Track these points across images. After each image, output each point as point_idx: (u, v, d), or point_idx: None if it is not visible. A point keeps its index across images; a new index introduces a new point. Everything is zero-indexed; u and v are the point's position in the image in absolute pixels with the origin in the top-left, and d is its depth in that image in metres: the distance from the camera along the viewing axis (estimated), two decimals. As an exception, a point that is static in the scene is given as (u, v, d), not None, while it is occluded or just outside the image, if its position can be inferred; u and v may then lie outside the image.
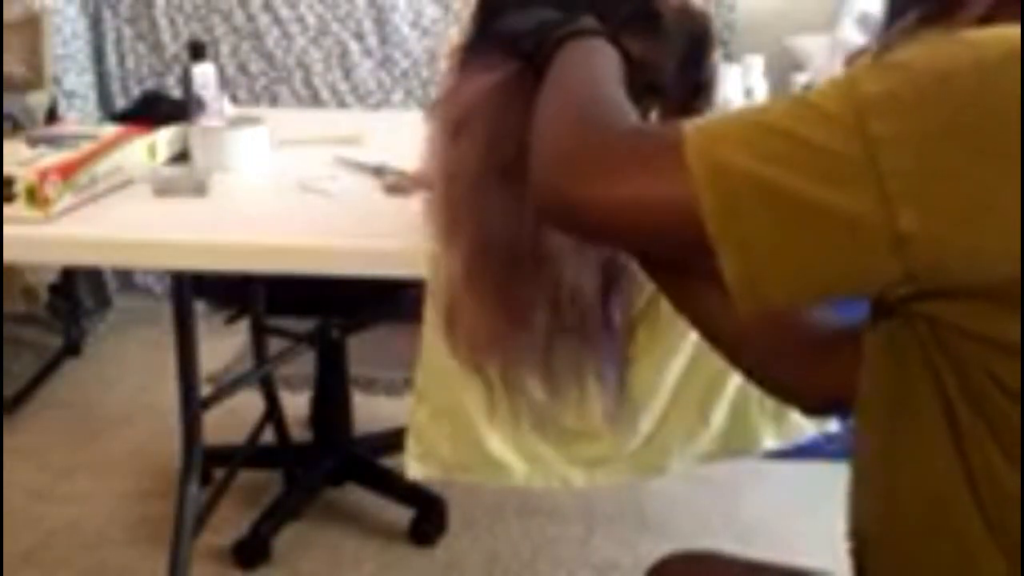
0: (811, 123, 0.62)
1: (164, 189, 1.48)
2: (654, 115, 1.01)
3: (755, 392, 1.21)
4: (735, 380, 1.52)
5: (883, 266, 0.62)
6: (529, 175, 0.73)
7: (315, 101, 2.90)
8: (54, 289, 2.73)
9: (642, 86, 0.92)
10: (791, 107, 0.64)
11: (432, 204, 0.99)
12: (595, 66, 0.83)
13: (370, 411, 2.36)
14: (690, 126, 0.66)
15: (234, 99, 2.61)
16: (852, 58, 0.84)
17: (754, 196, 0.62)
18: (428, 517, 2.03)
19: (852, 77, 0.63)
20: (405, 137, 1.90)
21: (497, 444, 1.53)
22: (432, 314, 1.42)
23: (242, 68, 2.89)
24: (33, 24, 2.45)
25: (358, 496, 2.12)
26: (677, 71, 0.96)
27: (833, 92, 0.63)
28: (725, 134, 0.65)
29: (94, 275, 2.92)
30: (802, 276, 0.64)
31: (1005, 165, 0.59)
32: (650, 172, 0.66)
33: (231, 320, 2.23)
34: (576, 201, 0.68)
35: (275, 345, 2.19)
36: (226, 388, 1.99)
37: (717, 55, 1.01)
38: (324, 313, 2.03)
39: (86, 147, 1.47)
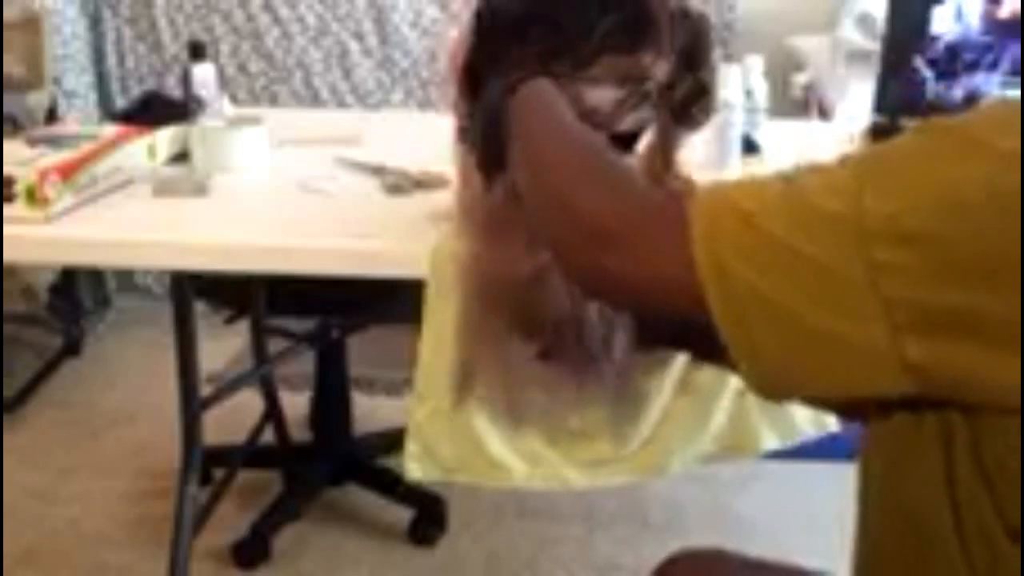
0: (812, 232, 0.59)
1: (164, 189, 1.48)
2: (651, 128, 1.01)
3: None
4: (735, 380, 1.51)
5: (896, 386, 0.60)
6: (536, 225, 0.76)
7: (315, 101, 2.90)
8: (54, 289, 2.73)
9: (638, 97, 0.92)
10: (791, 205, 0.61)
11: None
12: (560, 109, 0.85)
13: (370, 411, 2.36)
14: (695, 206, 0.64)
15: (234, 99, 2.61)
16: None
17: (757, 310, 0.61)
18: (428, 517, 2.03)
19: (859, 181, 0.60)
20: (405, 137, 1.91)
21: (497, 444, 1.53)
22: (432, 314, 1.41)
23: (242, 68, 2.89)
24: (33, 24, 2.45)
25: (358, 496, 2.12)
26: (675, 75, 0.96)
27: (836, 195, 0.60)
28: (726, 231, 0.63)
29: (94, 275, 2.92)
30: (814, 387, 0.64)
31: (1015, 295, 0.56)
32: (661, 256, 0.66)
33: (231, 320, 2.23)
34: (591, 272, 0.70)
35: (275, 345, 2.19)
36: (226, 388, 1.99)
37: (716, 57, 1.01)
38: (324, 313, 2.03)
39: (86, 147, 1.47)
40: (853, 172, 0.61)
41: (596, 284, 0.72)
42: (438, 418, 1.51)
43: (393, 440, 1.78)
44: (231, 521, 2.00)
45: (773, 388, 0.65)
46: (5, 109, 2.35)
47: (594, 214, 0.70)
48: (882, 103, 1.68)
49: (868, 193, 0.59)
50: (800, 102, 2.48)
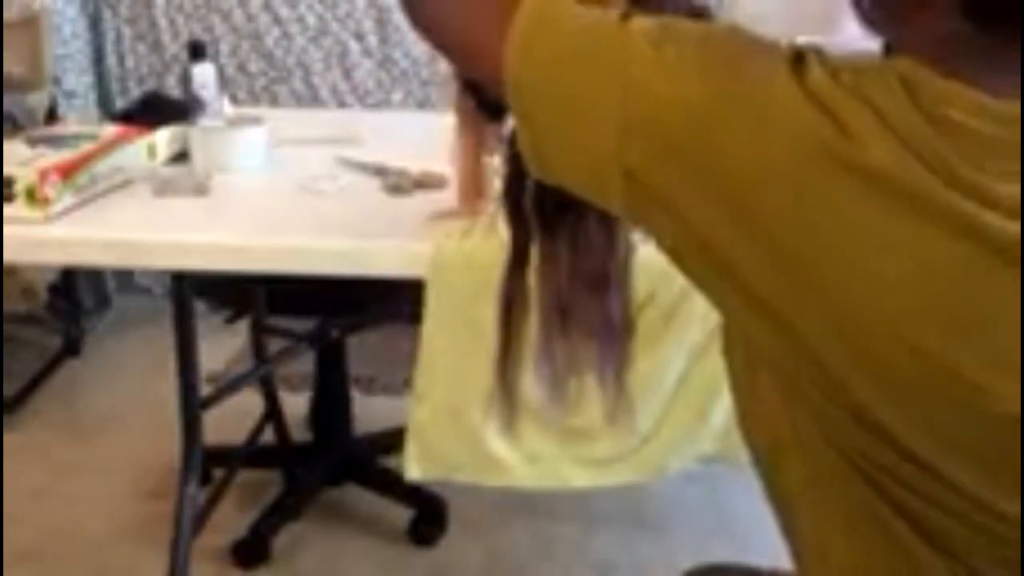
0: (597, 39, 0.67)
1: (164, 189, 1.48)
2: None
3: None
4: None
5: (615, 186, 0.66)
6: None
7: (315, 101, 2.90)
8: (54, 289, 2.73)
9: None
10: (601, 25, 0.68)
11: None
12: None
13: (370, 411, 2.36)
14: (529, 8, 0.70)
15: (234, 99, 2.61)
16: None
17: (539, 78, 0.69)
18: (428, 517, 2.03)
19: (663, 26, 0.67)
20: (405, 137, 1.91)
21: (497, 444, 1.53)
22: (432, 314, 1.42)
23: (242, 68, 2.89)
24: (32, 24, 2.45)
25: (358, 496, 2.12)
26: None
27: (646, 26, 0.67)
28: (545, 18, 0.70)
29: (94, 275, 2.92)
30: (564, 162, 0.70)
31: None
32: (488, 22, 0.72)
33: (231, 320, 2.23)
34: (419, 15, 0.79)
35: (275, 345, 2.19)
36: (226, 388, 1.99)
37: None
38: (324, 313, 2.03)
39: (86, 147, 1.47)
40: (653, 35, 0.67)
41: (428, 26, 0.80)
42: (438, 418, 1.51)
43: (393, 440, 1.78)
44: (231, 521, 2.00)
45: (539, 159, 0.72)
46: (5, 109, 2.35)
47: None
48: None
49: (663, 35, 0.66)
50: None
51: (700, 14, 0.99)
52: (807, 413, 0.66)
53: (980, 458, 0.61)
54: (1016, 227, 0.57)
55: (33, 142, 1.49)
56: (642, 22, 0.67)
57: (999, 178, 0.58)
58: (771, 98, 0.61)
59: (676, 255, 0.69)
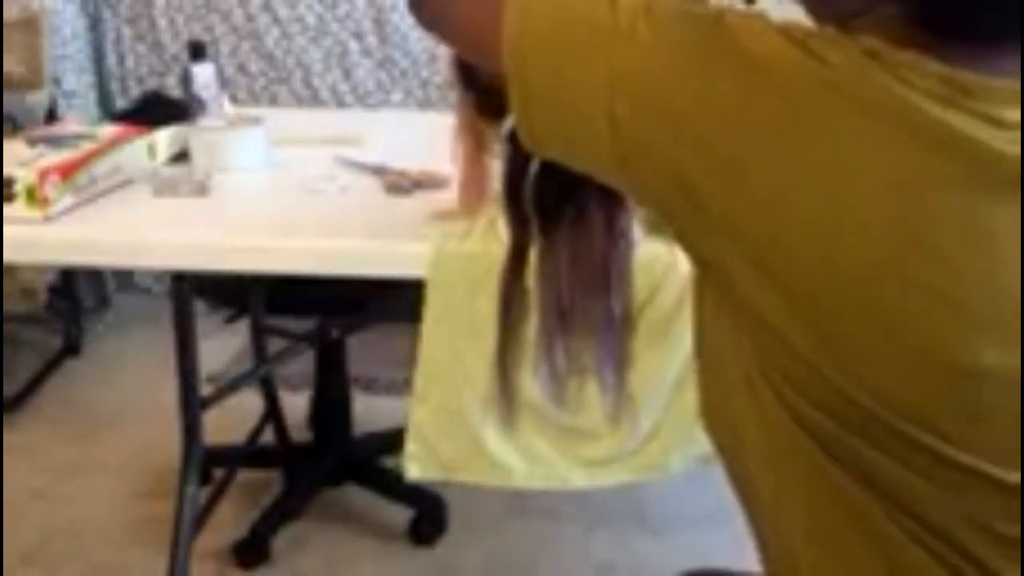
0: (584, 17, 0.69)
1: (164, 189, 1.48)
2: None
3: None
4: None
5: (604, 140, 0.67)
6: None
7: (315, 101, 2.90)
8: (54, 289, 2.73)
9: None
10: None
11: None
12: None
13: (370, 411, 2.36)
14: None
15: (234, 99, 2.61)
16: None
17: (535, 50, 0.70)
18: (428, 517, 2.03)
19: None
20: (405, 137, 1.91)
21: (497, 444, 1.53)
22: (432, 314, 1.42)
23: (242, 68, 2.89)
24: (32, 24, 2.45)
25: (358, 496, 2.12)
26: None
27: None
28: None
29: (94, 275, 2.93)
30: (552, 120, 0.71)
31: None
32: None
33: (231, 320, 2.23)
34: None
35: (275, 345, 2.19)
36: (226, 388, 1.99)
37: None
38: (324, 313, 2.03)
39: (86, 147, 1.47)
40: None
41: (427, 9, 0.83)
42: (438, 418, 1.51)
43: (393, 440, 1.78)
44: (231, 521, 2.00)
45: (531, 125, 0.73)
46: (5, 109, 2.35)
47: None
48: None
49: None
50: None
51: None
52: (775, 385, 0.66)
53: (972, 415, 0.61)
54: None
55: (33, 142, 1.49)
56: None
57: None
58: (755, 41, 0.63)
59: (662, 208, 0.69)
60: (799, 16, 0.69)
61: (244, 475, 2.10)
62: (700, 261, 0.71)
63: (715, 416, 0.79)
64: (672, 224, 0.69)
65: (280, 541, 1.99)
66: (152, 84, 2.89)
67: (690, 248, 0.70)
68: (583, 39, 0.68)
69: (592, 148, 0.69)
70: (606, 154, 0.67)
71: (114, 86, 2.95)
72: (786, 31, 0.63)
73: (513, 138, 0.93)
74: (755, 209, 0.61)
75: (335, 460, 2.14)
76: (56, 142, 1.49)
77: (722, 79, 0.62)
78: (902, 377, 0.61)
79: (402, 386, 2.45)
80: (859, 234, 0.59)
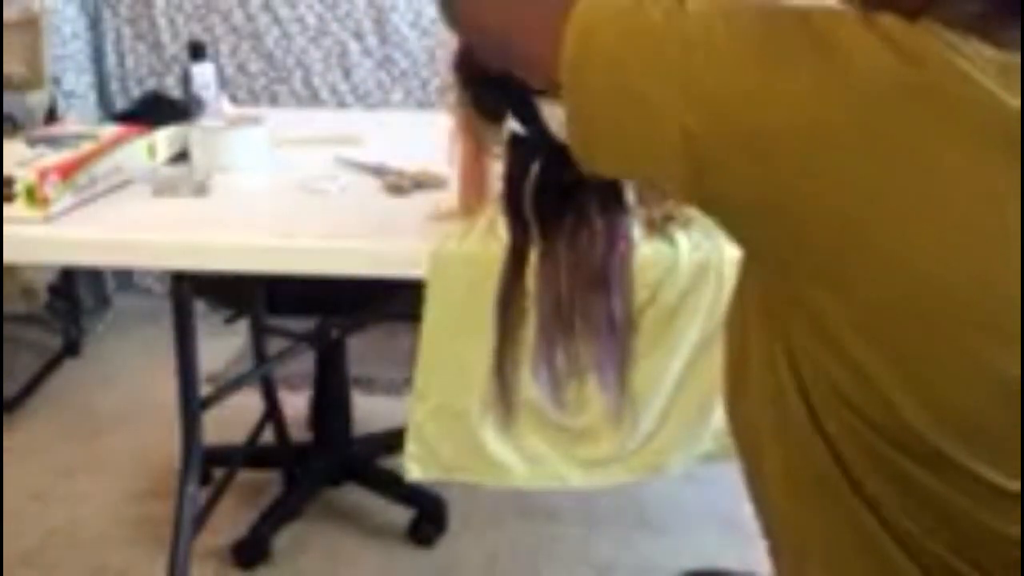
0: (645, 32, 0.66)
1: (164, 189, 1.48)
2: None
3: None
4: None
5: (674, 158, 0.65)
6: None
7: (315, 101, 2.90)
8: (54, 289, 2.73)
9: None
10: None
11: None
12: None
13: (370, 411, 2.36)
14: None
15: (234, 99, 2.61)
16: None
17: (596, 61, 0.68)
18: (428, 517, 2.03)
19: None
20: (405, 137, 1.91)
21: (497, 444, 1.53)
22: (431, 314, 1.42)
23: (242, 68, 2.89)
24: (32, 24, 2.45)
25: (358, 496, 2.12)
26: None
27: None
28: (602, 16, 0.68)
29: (94, 275, 2.92)
30: (616, 146, 0.69)
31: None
32: (538, 15, 0.72)
33: (231, 320, 2.23)
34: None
35: (275, 345, 2.19)
36: (226, 388, 1.99)
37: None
38: (324, 313, 2.03)
39: (86, 147, 1.47)
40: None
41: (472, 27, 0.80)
42: (438, 418, 1.51)
43: (393, 440, 1.78)
44: (231, 521, 2.00)
45: (586, 147, 0.71)
46: (5, 109, 2.35)
47: None
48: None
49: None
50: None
51: None
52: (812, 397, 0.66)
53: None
54: None
55: (33, 142, 1.49)
56: (695, 3, 0.66)
57: None
58: (844, 43, 0.60)
59: (739, 220, 0.67)
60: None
61: (244, 475, 2.10)
62: (755, 263, 0.70)
63: (737, 422, 0.78)
64: (737, 231, 0.67)
65: (280, 541, 1.99)
66: (152, 84, 2.89)
67: (753, 255, 0.69)
68: (651, 55, 0.65)
69: (662, 165, 0.66)
70: (679, 170, 0.65)
71: (114, 86, 2.95)
72: (878, 26, 0.60)
73: (513, 142, 0.93)
74: (838, 226, 0.60)
75: (335, 460, 2.14)
76: (56, 142, 1.49)
77: (805, 86, 0.60)
78: (980, 399, 0.60)
79: (402, 386, 2.45)
80: (945, 246, 0.58)
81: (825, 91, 0.59)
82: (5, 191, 1.33)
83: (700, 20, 0.64)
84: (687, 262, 1.36)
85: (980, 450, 0.61)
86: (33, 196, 1.34)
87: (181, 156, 1.63)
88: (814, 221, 0.60)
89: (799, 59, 0.60)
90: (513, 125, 0.84)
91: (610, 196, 0.90)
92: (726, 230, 0.68)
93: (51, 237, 1.35)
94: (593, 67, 0.68)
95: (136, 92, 2.85)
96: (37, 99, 2.48)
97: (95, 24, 2.89)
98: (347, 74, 2.89)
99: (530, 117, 0.94)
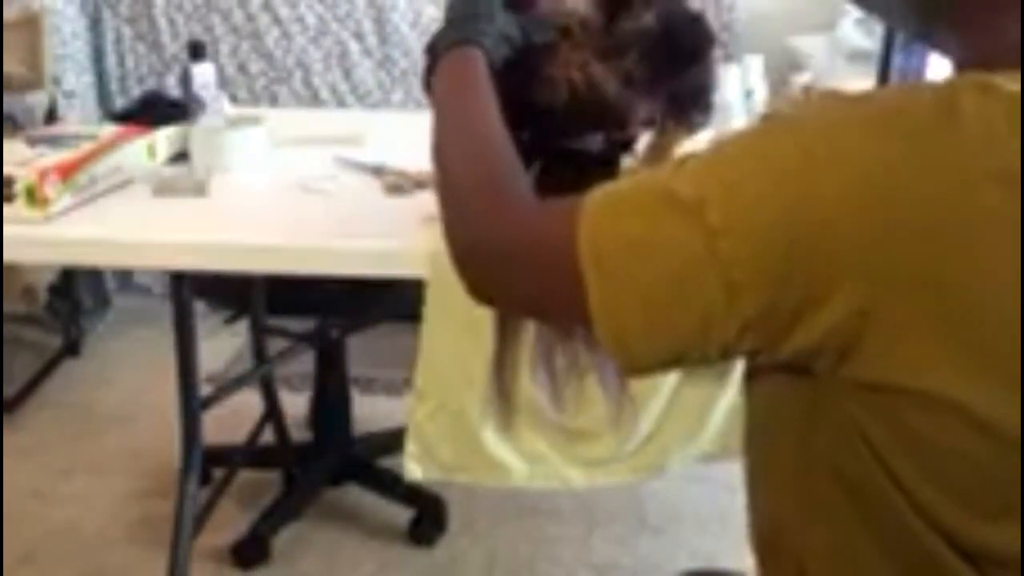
0: (663, 227, 0.64)
1: (164, 189, 1.48)
2: (644, 135, 1.01)
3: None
4: (734, 381, 1.52)
5: (736, 341, 0.64)
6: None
7: (315, 101, 2.90)
8: (54, 289, 2.73)
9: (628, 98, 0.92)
10: (658, 198, 0.65)
11: None
12: (480, 90, 0.86)
13: (370, 411, 2.36)
14: (585, 216, 0.66)
15: (234, 99, 2.61)
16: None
17: (625, 293, 0.65)
18: (427, 517, 2.03)
19: (708, 161, 0.65)
20: (405, 137, 1.90)
21: (497, 444, 1.53)
22: (431, 314, 1.42)
23: (242, 68, 2.89)
24: (32, 24, 2.45)
25: (358, 496, 2.12)
26: (673, 77, 0.96)
27: (688, 175, 0.64)
28: (606, 237, 0.66)
29: (94, 275, 2.92)
30: (671, 352, 0.67)
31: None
32: (546, 270, 0.69)
33: (230, 320, 2.23)
34: (478, 283, 0.75)
35: (275, 345, 2.19)
36: (226, 388, 1.99)
37: (715, 58, 1.01)
38: (324, 313, 2.03)
39: (86, 147, 1.47)
40: (707, 155, 0.66)
41: (484, 290, 0.76)
42: (438, 418, 1.52)
43: (393, 440, 1.78)
44: (231, 521, 2.00)
45: (637, 367, 0.68)
46: (5, 109, 2.34)
47: (486, 227, 0.74)
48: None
49: (716, 168, 0.64)
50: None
51: (696, 18, 0.99)
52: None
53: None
54: None
55: (33, 142, 1.49)
56: (691, 164, 0.65)
57: None
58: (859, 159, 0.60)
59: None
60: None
61: (244, 475, 2.10)
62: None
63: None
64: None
65: (280, 541, 1.99)
66: (152, 84, 2.89)
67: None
68: (672, 250, 0.63)
69: (712, 336, 0.64)
70: (730, 333, 0.63)
71: (114, 86, 2.95)
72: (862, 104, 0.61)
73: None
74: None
75: (335, 460, 2.14)
76: (56, 142, 1.49)
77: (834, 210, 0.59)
78: None
79: (402, 386, 2.45)
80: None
81: (862, 204, 0.59)
82: (5, 191, 1.33)
83: (698, 178, 0.64)
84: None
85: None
86: (33, 196, 1.34)
87: (181, 156, 1.63)
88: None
89: (801, 181, 0.60)
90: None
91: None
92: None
93: (51, 237, 1.35)
94: (627, 313, 0.65)
95: (136, 92, 2.85)
96: (37, 99, 2.48)
97: (95, 24, 2.89)
98: (347, 74, 2.89)
99: (529, 119, 0.94)
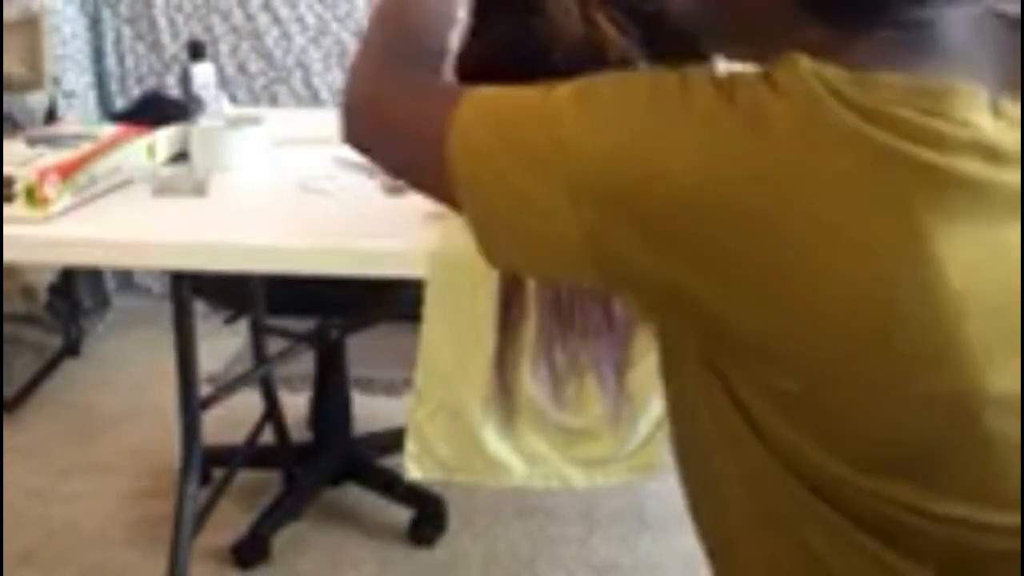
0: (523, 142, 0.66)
1: (163, 189, 1.48)
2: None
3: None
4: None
5: (579, 260, 0.65)
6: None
7: (315, 101, 2.90)
8: (54, 289, 2.73)
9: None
10: (542, 104, 0.67)
11: None
12: None
13: (370, 411, 2.36)
14: (467, 101, 0.70)
15: (234, 99, 2.61)
16: None
17: (487, 189, 0.69)
18: (427, 517, 2.03)
19: (579, 87, 0.66)
20: (405, 137, 1.90)
21: (497, 444, 1.53)
22: (431, 314, 1.42)
23: (241, 68, 2.89)
24: (32, 24, 2.45)
25: (358, 496, 2.12)
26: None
27: (561, 95, 0.66)
28: (478, 136, 0.69)
29: (93, 275, 2.92)
30: (527, 263, 0.73)
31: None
32: (421, 136, 0.73)
33: (230, 320, 2.23)
34: (358, 136, 0.84)
35: (275, 345, 2.19)
36: (226, 388, 1.99)
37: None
38: (324, 313, 2.03)
39: (85, 147, 1.47)
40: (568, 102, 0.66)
41: (361, 145, 0.85)
42: (438, 418, 1.52)
43: (393, 440, 1.78)
44: (230, 521, 2.00)
45: (496, 254, 0.72)
46: (5, 109, 2.35)
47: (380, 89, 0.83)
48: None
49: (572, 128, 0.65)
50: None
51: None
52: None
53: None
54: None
55: (33, 142, 1.49)
56: (563, 86, 0.67)
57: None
58: (705, 118, 0.61)
59: (652, 310, 0.69)
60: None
61: (244, 475, 2.10)
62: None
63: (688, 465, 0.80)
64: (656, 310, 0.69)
65: (280, 541, 1.99)
66: (152, 84, 2.89)
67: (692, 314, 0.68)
68: (530, 159, 0.66)
69: (575, 265, 0.67)
70: (591, 268, 0.66)
71: (114, 86, 2.95)
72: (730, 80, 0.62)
73: None
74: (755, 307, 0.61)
75: (335, 460, 2.14)
76: (56, 142, 1.49)
77: (677, 162, 0.61)
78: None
79: (402, 386, 2.45)
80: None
81: (700, 167, 0.60)
82: (5, 191, 1.33)
83: (567, 98, 0.65)
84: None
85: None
86: (33, 196, 1.34)
87: (181, 156, 1.63)
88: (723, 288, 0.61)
89: (670, 132, 0.61)
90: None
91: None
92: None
93: (51, 237, 1.35)
94: (478, 166, 0.69)
95: (136, 92, 2.85)
96: (37, 99, 2.48)
97: (95, 24, 2.89)
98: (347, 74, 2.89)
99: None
